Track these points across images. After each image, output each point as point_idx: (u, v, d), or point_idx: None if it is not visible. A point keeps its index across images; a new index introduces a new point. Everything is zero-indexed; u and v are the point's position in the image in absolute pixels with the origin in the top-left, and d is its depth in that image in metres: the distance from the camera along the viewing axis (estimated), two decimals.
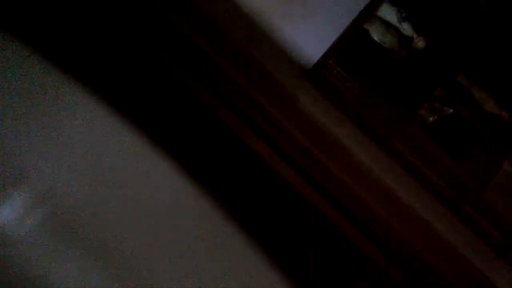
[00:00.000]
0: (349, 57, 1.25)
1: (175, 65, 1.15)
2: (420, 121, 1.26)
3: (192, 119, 1.19)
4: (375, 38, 1.28)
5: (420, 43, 1.32)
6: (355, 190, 1.16)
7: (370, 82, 1.25)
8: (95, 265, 0.97)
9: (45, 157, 1.02)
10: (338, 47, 1.24)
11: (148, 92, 1.17)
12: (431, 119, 1.26)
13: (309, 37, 1.24)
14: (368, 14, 1.28)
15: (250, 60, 1.20)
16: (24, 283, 0.93)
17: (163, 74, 1.17)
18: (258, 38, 1.22)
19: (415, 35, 1.32)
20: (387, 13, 1.32)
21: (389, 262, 1.13)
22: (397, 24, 1.32)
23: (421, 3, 1.35)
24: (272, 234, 1.11)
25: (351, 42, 1.25)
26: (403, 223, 1.15)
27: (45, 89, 1.10)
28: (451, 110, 1.27)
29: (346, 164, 1.17)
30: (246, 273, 1.05)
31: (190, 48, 1.17)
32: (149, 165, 1.10)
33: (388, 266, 1.13)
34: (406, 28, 1.32)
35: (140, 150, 1.10)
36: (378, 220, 1.14)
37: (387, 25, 1.32)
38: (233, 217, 1.07)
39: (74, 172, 1.02)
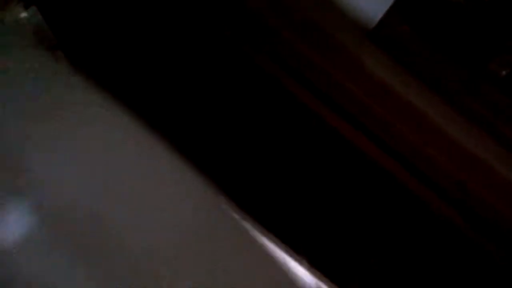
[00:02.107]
0: (413, 14, 1.20)
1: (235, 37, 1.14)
2: (492, 76, 1.21)
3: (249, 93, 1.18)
4: None
5: None
6: (428, 152, 1.13)
7: (437, 38, 1.20)
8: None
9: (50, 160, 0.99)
10: (401, 4, 1.19)
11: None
12: (503, 72, 1.21)
13: None
14: None
15: (310, 23, 1.17)
16: None
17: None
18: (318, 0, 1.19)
19: None
20: None
21: (464, 221, 1.11)
22: None
23: None
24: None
25: None
26: (480, 182, 1.11)
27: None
28: None
29: (417, 126, 1.14)
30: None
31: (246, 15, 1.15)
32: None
33: (462, 224, 1.11)
34: None
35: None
36: (453, 181, 1.11)
37: None
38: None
39: (80, 177, 0.99)
